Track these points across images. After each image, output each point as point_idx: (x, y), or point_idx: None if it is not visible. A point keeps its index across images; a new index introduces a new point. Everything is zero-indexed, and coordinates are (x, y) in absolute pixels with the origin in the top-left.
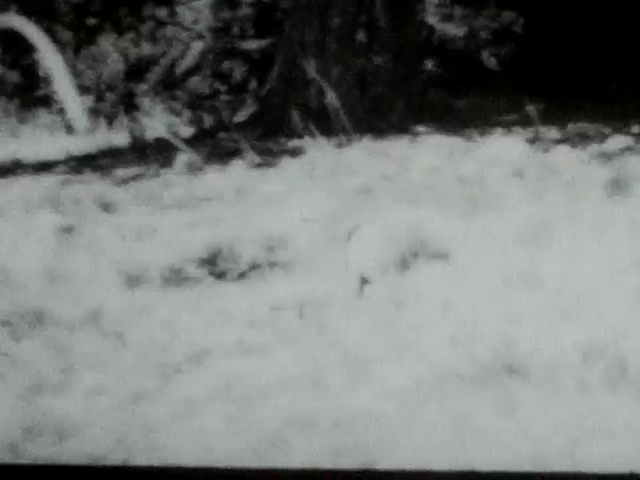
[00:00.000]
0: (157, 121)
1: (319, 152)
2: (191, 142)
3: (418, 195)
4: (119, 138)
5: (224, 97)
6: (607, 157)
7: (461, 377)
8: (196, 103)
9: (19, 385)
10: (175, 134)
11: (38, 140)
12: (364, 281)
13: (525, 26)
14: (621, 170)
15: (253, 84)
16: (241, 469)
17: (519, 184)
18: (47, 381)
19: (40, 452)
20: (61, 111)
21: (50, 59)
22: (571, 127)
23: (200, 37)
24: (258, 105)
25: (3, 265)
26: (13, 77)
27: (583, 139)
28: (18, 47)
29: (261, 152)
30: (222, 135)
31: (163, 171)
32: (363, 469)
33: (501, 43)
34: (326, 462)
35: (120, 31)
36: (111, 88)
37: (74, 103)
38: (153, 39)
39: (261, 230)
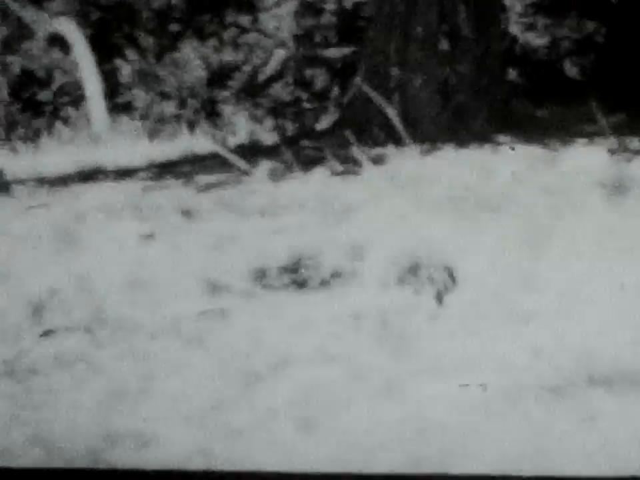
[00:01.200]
0: (238, 128)
1: (401, 160)
2: (273, 149)
3: (500, 204)
4: (201, 144)
5: (306, 105)
6: None
7: (543, 387)
8: (278, 110)
9: (100, 391)
10: (256, 141)
11: (120, 146)
12: (445, 290)
13: (607, 36)
14: None
15: (335, 92)
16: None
17: (600, 194)
18: (127, 388)
19: (120, 459)
20: (144, 117)
21: (84, 61)
22: None
23: (282, 44)
24: (340, 113)
25: (85, 271)
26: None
27: None
28: (100, 52)
29: (343, 160)
30: (304, 142)
31: (244, 178)
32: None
33: (583, 52)
34: (406, 470)
35: (202, 37)
36: (192, 94)
37: (98, 107)
38: (235, 45)
39: (343, 238)
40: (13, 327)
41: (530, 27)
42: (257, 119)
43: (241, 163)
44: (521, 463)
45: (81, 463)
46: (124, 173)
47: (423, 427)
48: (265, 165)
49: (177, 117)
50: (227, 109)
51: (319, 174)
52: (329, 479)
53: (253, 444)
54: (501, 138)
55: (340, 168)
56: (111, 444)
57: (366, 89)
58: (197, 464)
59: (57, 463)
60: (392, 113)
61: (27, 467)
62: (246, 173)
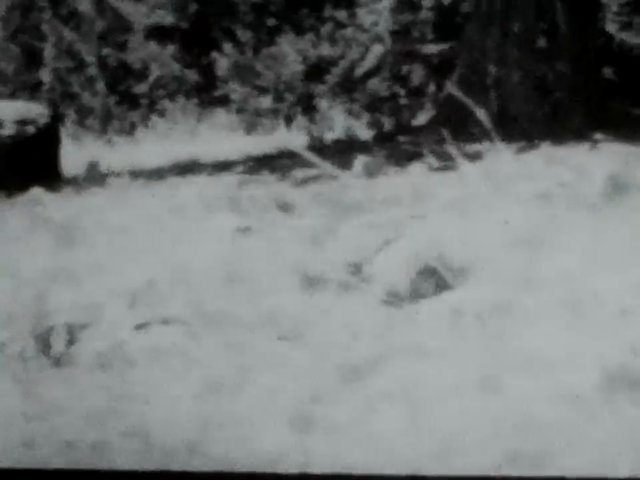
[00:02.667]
0: (335, 123)
1: (497, 157)
2: (370, 144)
3: (596, 203)
4: (298, 139)
5: (403, 100)
6: None
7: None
8: (375, 106)
9: (196, 384)
10: (353, 137)
11: (216, 139)
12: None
13: None
14: None
15: (431, 88)
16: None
17: None
18: (224, 381)
19: (217, 452)
20: (241, 111)
21: None
22: None
23: (379, 39)
24: (437, 109)
25: (182, 264)
26: (192, 76)
27: None
28: (197, 46)
29: (439, 156)
30: (401, 138)
31: (341, 173)
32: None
33: None
34: (504, 467)
35: (300, 31)
36: (289, 89)
37: None
38: (332, 40)
39: (440, 233)
40: (110, 318)
41: (626, 26)
42: (353, 114)
43: (322, 163)
44: (616, 461)
45: (178, 455)
46: (221, 167)
47: (521, 423)
48: (361, 160)
49: (274, 111)
50: (323, 104)
51: (416, 169)
52: (332, 479)
53: (351, 439)
54: (597, 136)
55: (436, 164)
56: (208, 437)
57: (455, 91)
58: (293, 458)
59: (155, 455)
60: (482, 113)
61: (27, 468)
62: (343, 167)
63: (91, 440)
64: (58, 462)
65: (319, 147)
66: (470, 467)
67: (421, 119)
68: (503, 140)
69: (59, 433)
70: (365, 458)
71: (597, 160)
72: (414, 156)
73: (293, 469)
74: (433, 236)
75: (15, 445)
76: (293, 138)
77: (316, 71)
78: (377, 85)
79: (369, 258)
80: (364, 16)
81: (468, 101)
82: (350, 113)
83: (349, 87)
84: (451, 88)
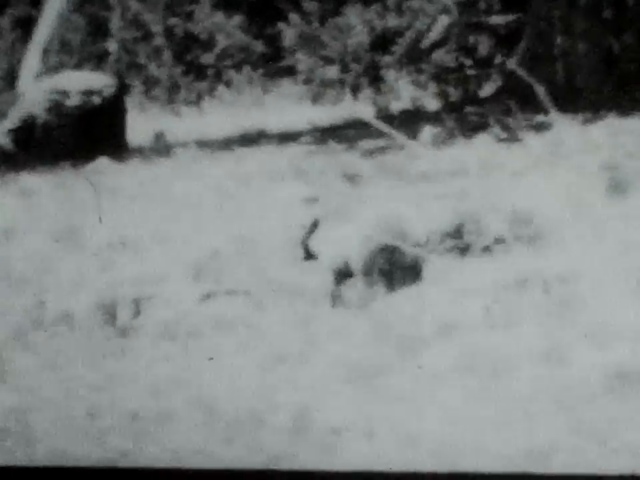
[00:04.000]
0: (401, 94)
1: (564, 128)
2: (437, 115)
3: None
4: (364, 109)
5: (469, 71)
6: None
7: None
8: (441, 77)
9: (261, 355)
10: (420, 107)
11: (282, 110)
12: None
13: None
14: None
15: (498, 58)
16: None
17: None
18: (288, 352)
19: (281, 423)
20: (307, 81)
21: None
22: None
23: (446, 10)
24: (504, 80)
25: (247, 235)
26: (258, 46)
27: None
28: (263, 16)
29: (505, 127)
30: (468, 108)
31: (408, 143)
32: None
33: None
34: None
35: (366, 2)
36: (356, 59)
37: (28, 72)
38: (398, 11)
39: (506, 204)
40: (174, 289)
41: None
42: (420, 85)
43: (392, 132)
44: None
45: (243, 426)
46: (287, 137)
47: (585, 394)
48: (428, 131)
49: (340, 82)
50: (390, 74)
51: (482, 140)
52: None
53: (416, 410)
54: None
55: (503, 135)
56: (272, 408)
57: (515, 68)
58: (359, 429)
59: (220, 425)
60: (544, 86)
61: (26, 466)
62: (410, 138)
63: (155, 411)
64: (122, 432)
65: (385, 118)
66: (533, 437)
67: (487, 89)
68: (569, 111)
69: (123, 404)
70: (429, 426)
71: None
72: (480, 127)
73: (359, 438)
74: (498, 205)
75: (80, 415)
76: (360, 108)
77: (382, 41)
78: (443, 55)
79: (436, 228)
80: None
81: (529, 78)
82: (416, 83)
83: (415, 57)
84: (512, 64)
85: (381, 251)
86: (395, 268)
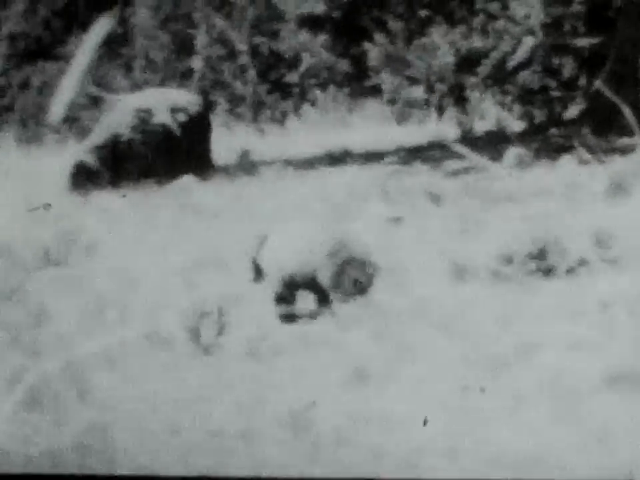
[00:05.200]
0: (486, 114)
1: None
2: (521, 137)
3: None
4: (449, 130)
5: (554, 93)
6: None
7: None
8: (526, 98)
9: (344, 373)
10: (504, 128)
11: (367, 129)
12: None
13: None
14: None
15: (582, 80)
16: None
17: None
18: (372, 371)
19: (364, 440)
20: (392, 101)
21: (81, 59)
22: None
23: (531, 31)
24: (588, 102)
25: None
26: (343, 65)
27: None
28: (348, 36)
29: (589, 149)
30: (552, 130)
31: (492, 164)
32: None
33: None
34: None
35: (451, 23)
36: (440, 80)
37: (62, 101)
38: (483, 32)
39: (590, 226)
40: (258, 307)
41: None
42: (504, 106)
43: (475, 155)
44: None
45: (326, 445)
46: (372, 157)
47: None
48: (512, 152)
49: (425, 102)
50: (474, 95)
51: (566, 162)
52: None
53: (499, 429)
54: None
55: (587, 157)
56: (356, 424)
57: (603, 88)
58: (442, 446)
59: (304, 444)
60: (626, 111)
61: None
62: (494, 159)
63: (238, 428)
64: (204, 449)
65: (469, 138)
66: (614, 460)
67: (572, 111)
68: None
69: (206, 421)
70: (513, 446)
71: None
72: (565, 148)
73: (441, 457)
74: (582, 226)
75: (162, 432)
76: (444, 129)
77: (467, 62)
78: (528, 77)
79: (519, 249)
80: (516, 8)
81: (615, 98)
82: (501, 104)
83: (500, 78)
84: (599, 84)
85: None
86: None
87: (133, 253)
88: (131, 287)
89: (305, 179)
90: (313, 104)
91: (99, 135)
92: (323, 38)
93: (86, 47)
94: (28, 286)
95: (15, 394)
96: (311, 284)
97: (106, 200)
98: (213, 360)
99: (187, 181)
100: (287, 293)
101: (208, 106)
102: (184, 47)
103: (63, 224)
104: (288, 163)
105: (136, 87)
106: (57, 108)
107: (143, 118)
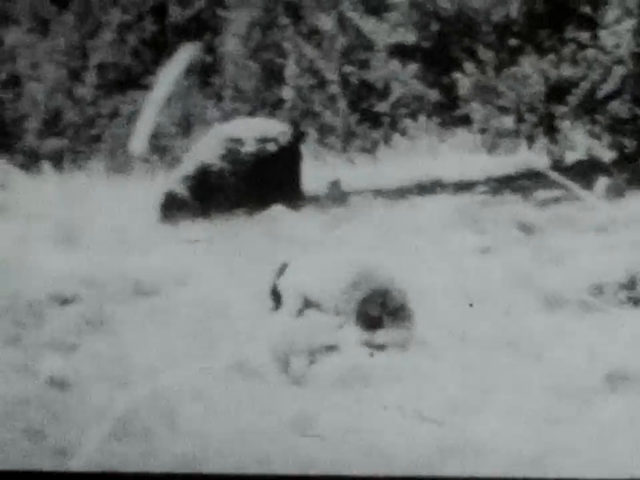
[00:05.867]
0: (576, 144)
1: None
2: (612, 166)
3: None
4: (539, 160)
5: None
6: None
7: None
8: (616, 127)
9: (434, 405)
10: (594, 158)
11: (457, 159)
12: None
13: None
14: None
15: None
16: None
17: None
18: (463, 402)
19: (456, 469)
20: (482, 131)
21: (161, 88)
22: None
23: (621, 61)
24: None
25: (421, 284)
26: (433, 95)
27: None
28: (438, 65)
29: None
30: None
31: (582, 194)
32: None
33: None
34: None
35: (541, 52)
36: (531, 109)
37: (144, 130)
38: (573, 61)
39: None
40: (348, 338)
41: None
42: (594, 135)
43: (569, 183)
44: None
45: (419, 473)
46: (462, 187)
47: None
48: (602, 182)
49: (516, 132)
50: (564, 125)
51: None
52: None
53: (587, 460)
54: None
55: None
56: (447, 455)
57: None
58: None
59: (396, 472)
60: None
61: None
62: (585, 188)
63: (328, 459)
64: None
65: (559, 168)
66: None
67: None
68: None
69: (296, 452)
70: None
71: None
72: None
73: None
74: None
75: (251, 463)
76: (534, 158)
77: (557, 91)
78: (618, 106)
79: (609, 279)
80: (606, 38)
81: None
82: (591, 134)
83: (590, 108)
84: None
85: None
86: None
87: (222, 284)
88: (220, 317)
89: (394, 209)
90: (403, 133)
91: (189, 164)
92: (413, 67)
93: (168, 75)
94: (117, 317)
95: (104, 425)
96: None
97: (195, 230)
98: (302, 390)
99: (277, 210)
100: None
101: (298, 136)
102: (273, 76)
103: (153, 254)
104: (378, 192)
105: (226, 116)
106: (139, 139)
107: (233, 148)
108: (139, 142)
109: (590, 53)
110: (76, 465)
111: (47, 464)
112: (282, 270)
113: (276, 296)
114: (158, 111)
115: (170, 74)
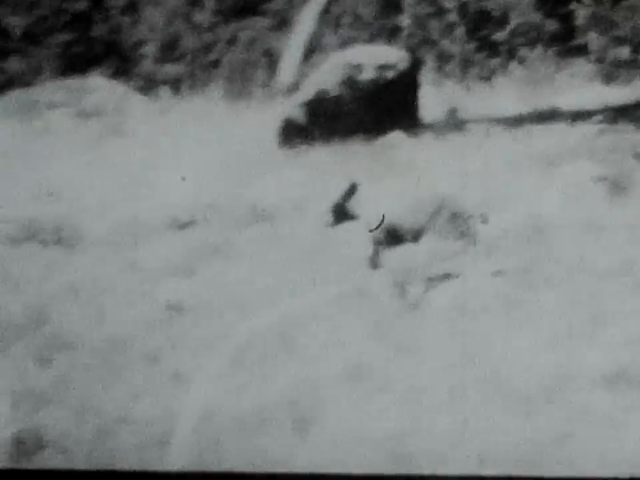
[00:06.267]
0: None
1: None
2: None
3: None
4: None
5: None
6: None
7: None
8: None
9: (549, 333)
10: None
11: (574, 88)
12: None
13: None
14: None
15: None
16: None
17: None
18: (576, 331)
19: (576, 399)
20: (599, 61)
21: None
22: None
23: None
24: None
25: (535, 212)
26: (550, 25)
27: None
28: None
29: None
30: None
31: None
32: None
33: None
34: None
35: None
36: None
37: (291, 62)
38: None
39: None
40: (467, 266)
41: None
42: None
43: None
44: None
45: (535, 403)
46: (578, 116)
47: None
48: None
49: (632, 62)
50: None
51: None
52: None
53: None
54: None
55: None
56: (563, 385)
57: None
58: None
59: (510, 403)
60: None
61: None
62: None
63: (445, 386)
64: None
65: None
66: None
67: None
68: None
69: (411, 380)
70: None
71: None
72: None
73: None
74: None
75: (368, 390)
76: None
77: None
78: None
79: None
80: None
81: None
82: None
83: None
84: None
85: None
86: None
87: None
88: (345, 245)
89: (511, 138)
90: (520, 62)
91: (308, 91)
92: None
93: (311, 7)
94: (236, 242)
95: (224, 352)
96: None
97: (313, 156)
98: (419, 316)
99: (395, 137)
100: None
101: (416, 63)
102: (392, 4)
103: (271, 179)
104: (495, 120)
105: (344, 43)
106: (287, 72)
107: (352, 74)
108: (286, 74)
109: None
110: (193, 390)
111: (164, 389)
112: (352, 190)
113: (339, 214)
114: (305, 44)
115: (314, 6)
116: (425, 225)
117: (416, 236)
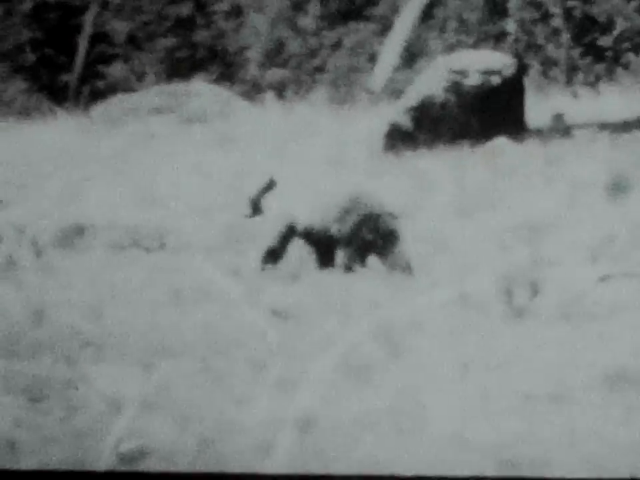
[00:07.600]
0: None
1: None
2: None
3: None
4: None
5: None
6: None
7: None
8: None
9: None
10: None
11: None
12: None
13: None
14: None
15: None
16: None
17: None
18: None
19: None
20: None
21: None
22: None
23: None
24: None
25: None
26: None
27: None
28: None
29: None
30: None
31: None
32: None
33: None
34: None
35: None
36: None
37: (384, 70)
38: None
39: None
40: (571, 271)
41: None
42: None
43: None
44: None
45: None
46: None
47: None
48: None
49: None
50: None
51: None
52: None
53: None
54: None
55: None
56: None
57: None
58: None
59: (615, 407)
60: None
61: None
62: None
63: (547, 391)
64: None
65: None
66: None
67: None
68: None
69: (516, 385)
70: None
71: None
72: None
73: None
74: None
75: (472, 395)
76: None
77: None
78: None
79: None
80: None
81: None
82: None
83: None
84: None
85: None
86: None
87: (445, 215)
88: (442, 249)
89: (618, 144)
90: (626, 67)
91: (413, 96)
92: (636, 2)
93: (407, 15)
94: None
95: (327, 358)
96: None
97: (419, 161)
98: (525, 323)
99: (500, 142)
100: None
101: (521, 68)
102: (497, 9)
103: (377, 184)
104: (601, 126)
105: (449, 48)
106: (380, 76)
107: (457, 79)
108: (379, 80)
109: None
110: (299, 398)
111: (269, 396)
112: (269, 186)
113: (255, 207)
114: (399, 51)
115: (410, 14)
116: None
117: None
